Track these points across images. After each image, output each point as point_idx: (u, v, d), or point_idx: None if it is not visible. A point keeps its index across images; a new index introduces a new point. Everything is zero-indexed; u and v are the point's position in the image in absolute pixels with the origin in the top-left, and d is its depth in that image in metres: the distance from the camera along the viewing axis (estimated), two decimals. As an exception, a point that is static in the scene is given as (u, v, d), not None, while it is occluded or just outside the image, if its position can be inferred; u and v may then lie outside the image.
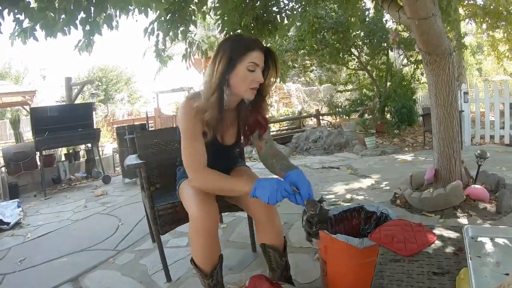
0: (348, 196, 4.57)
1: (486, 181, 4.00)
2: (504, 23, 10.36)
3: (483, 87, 8.30)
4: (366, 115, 11.40)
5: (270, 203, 1.75)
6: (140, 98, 38.77)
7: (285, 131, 12.81)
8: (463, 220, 3.31)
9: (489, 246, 1.44)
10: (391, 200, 4.11)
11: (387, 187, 4.80)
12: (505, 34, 11.54)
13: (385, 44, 10.96)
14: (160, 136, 3.21)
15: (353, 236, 1.94)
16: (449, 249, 1.56)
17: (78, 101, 13.20)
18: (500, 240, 1.48)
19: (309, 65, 13.56)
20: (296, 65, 12.86)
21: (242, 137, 2.22)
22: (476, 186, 3.64)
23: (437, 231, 1.74)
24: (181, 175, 2.33)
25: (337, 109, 12.57)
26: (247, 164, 2.67)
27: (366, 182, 5.26)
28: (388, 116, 11.26)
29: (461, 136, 3.81)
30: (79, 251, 3.66)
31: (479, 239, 1.51)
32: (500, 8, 9.42)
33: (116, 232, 4.13)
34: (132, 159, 2.84)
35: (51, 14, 3.42)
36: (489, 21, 10.47)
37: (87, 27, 3.81)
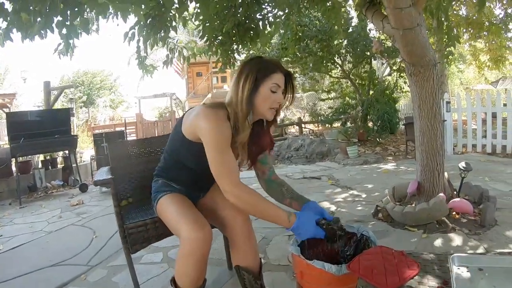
0: (332, 208, 4.46)
1: (469, 192, 3.95)
2: (486, 33, 10.46)
3: (466, 96, 8.30)
4: (348, 123, 11.37)
5: (313, 233, 1.80)
6: (122, 102, 38.47)
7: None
8: (447, 235, 3.22)
9: (475, 278, 1.34)
10: (372, 213, 4.01)
11: (369, 199, 4.71)
12: (487, 44, 11.66)
13: (368, 53, 11.03)
14: (134, 146, 3.04)
15: (332, 258, 1.83)
16: (433, 282, 1.45)
17: (59, 106, 12.93)
18: (487, 270, 1.38)
19: (292, 72, 13.50)
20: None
21: (248, 158, 2.15)
22: (460, 199, 3.56)
23: (421, 258, 1.63)
24: (159, 188, 2.19)
25: (319, 117, 12.53)
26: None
27: (348, 194, 5.17)
28: (370, 124, 11.27)
29: (443, 145, 3.74)
30: (51, 266, 3.50)
31: (465, 269, 1.41)
32: (483, 19, 9.48)
33: (89, 246, 3.98)
34: (102, 173, 2.68)
35: (26, 16, 3.28)
36: (472, 31, 10.56)
37: (64, 31, 3.67)
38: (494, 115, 7.78)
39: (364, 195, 5.00)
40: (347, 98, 12.59)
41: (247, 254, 2.07)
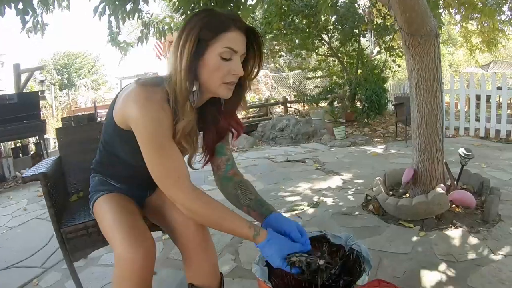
0: (315, 197, 4.05)
1: (468, 181, 3.60)
2: (478, 15, 10.17)
3: (460, 79, 8.00)
4: (335, 103, 11.01)
5: (279, 267, 1.32)
6: (106, 83, 37.74)
7: (251, 119, 12.26)
8: (447, 233, 2.84)
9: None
10: (362, 204, 3.62)
11: (358, 187, 4.31)
12: (479, 26, 11.39)
13: (357, 31, 10.71)
14: (88, 130, 2.64)
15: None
16: None
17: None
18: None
19: (277, 50, 13.02)
20: (263, 50, 12.29)
21: (205, 150, 1.62)
22: (461, 191, 3.16)
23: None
24: (95, 186, 1.73)
25: (305, 97, 12.14)
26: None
27: (334, 180, 4.75)
28: (358, 104, 10.95)
29: (443, 129, 3.33)
30: (5, 269, 3.10)
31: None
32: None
33: (48, 243, 3.54)
34: (41, 166, 2.22)
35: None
36: (464, 12, 10.25)
37: (20, 5, 3.24)
38: (487, 98, 7.48)
39: (352, 182, 4.60)
40: (334, 77, 12.19)
41: (203, 270, 1.60)
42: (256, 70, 1.49)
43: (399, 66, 11.82)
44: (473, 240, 2.71)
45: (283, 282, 1.45)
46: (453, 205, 3.11)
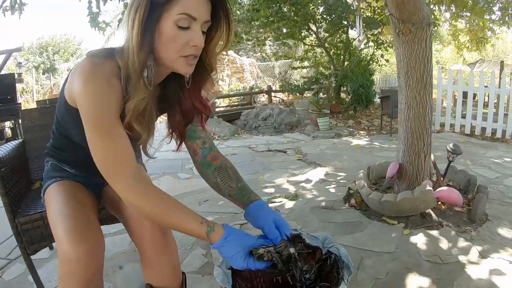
0: (294, 190, 3.87)
1: (454, 178, 3.45)
2: (469, 13, 10.10)
3: (448, 74, 7.91)
4: (321, 94, 10.85)
5: (243, 268, 1.13)
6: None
7: (234, 107, 12.06)
8: (433, 232, 2.68)
9: None
10: (344, 198, 3.45)
11: (340, 180, 4.14)
12: (467, 25, 11.35)
13: (346, 22, 10.56)
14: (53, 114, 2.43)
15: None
16: None
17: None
18: None
19: (264, 38, 12.75)
20: (250, 38, 12.03)
21: (171, 133, 1.41)
22: (448, 188, 3.00)
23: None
24: (47, 172, 1.53)
25: (290, 86, 11.96)
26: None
27: (316, 172, 4.57)
28: (343, 96, 10.80)
29: (432, 122, 3.16)
30: (-33, 260, 2.85)
31: None
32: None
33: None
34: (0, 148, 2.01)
35: None
36: (453, 10, 10.18)
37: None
38: (473, 96, 7.42)
39: (334, 175, 4.42)
40: (321, 67, 12.00)
41: (161, 272, 1.40)
42: (223, 43, 1.25)
43: (387, 61, 11.67)
44: (460, 240, 2.55)
45: (251, 285, 1.26)
46: (439, 203, 2.96)
